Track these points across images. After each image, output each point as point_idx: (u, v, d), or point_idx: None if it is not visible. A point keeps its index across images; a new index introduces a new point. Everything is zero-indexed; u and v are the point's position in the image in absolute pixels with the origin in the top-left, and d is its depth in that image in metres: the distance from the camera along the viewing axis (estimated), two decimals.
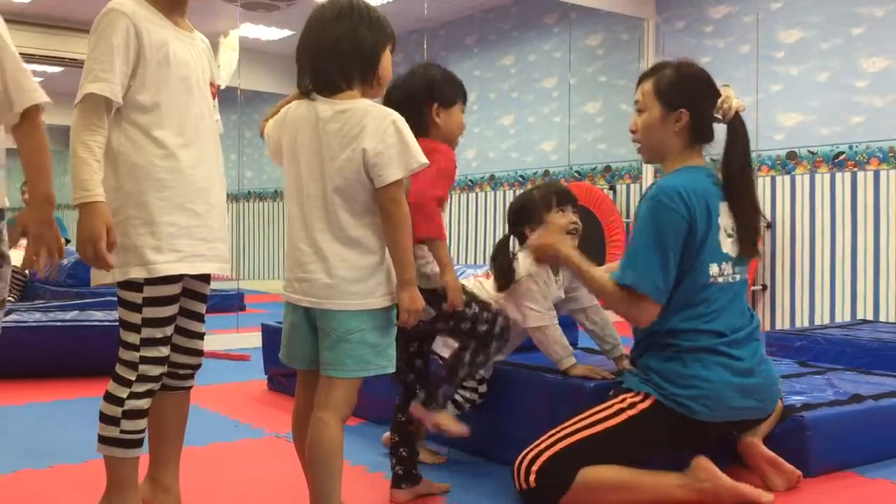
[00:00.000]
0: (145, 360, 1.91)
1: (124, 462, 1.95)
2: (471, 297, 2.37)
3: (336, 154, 1.95)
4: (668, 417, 2.32)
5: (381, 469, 2.54)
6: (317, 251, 1.97)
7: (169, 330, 1.96)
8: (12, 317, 4.28)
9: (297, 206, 2.01)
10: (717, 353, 2.33)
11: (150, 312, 1.91)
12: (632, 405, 2.35)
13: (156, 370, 1.94)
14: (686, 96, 2.46)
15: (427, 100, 2.35)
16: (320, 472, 2.01)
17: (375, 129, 1.93)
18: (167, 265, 1.89)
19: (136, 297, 1.90)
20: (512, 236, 2.81)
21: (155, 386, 1.95)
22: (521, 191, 3.06)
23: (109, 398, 1.92)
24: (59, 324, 4.24)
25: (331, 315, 1.98)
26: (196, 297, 2.07)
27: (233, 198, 10.39)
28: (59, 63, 8.15)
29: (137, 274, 1.87)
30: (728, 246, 2.41)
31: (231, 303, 7.38)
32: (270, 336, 4.07)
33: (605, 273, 2.50)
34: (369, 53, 2.00)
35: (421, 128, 2.32)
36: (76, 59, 7.58)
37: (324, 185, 1.96)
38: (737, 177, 2.44)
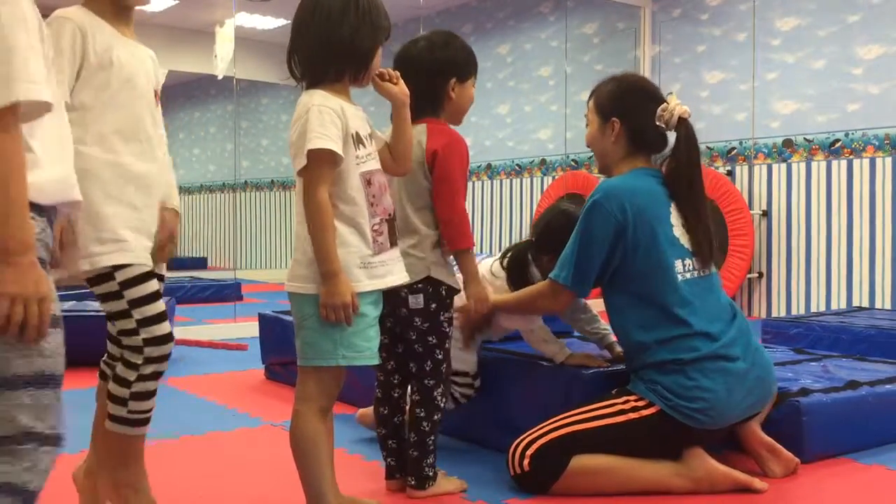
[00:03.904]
0: (149, 342, 1.93)
1: (131, 438, 2.00)
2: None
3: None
4: (671, 426, 2.33)
5: (376, 458, 2.55)
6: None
7: (161, 306, 1.96)
8: None
9: None
10: (716, 359, 2.34)
11: (131, 294, 1.92)
12: (634, 409, 2.35)
13: (160, 350, 1.95)
14: (618, 106, 2.53)
15: (447, 75, 2.36)
16: (304, 465, 2.03)
17: (295, 119, 1.98)
18: (112, 255, 1.90)
19: (112, 286, 1.92)
20: (529, 250, 2.74)
21: (161, 367, 1.96)
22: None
23: (118, 380, 1.95)
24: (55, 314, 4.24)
25: (292, 299, 2.02)
26: None
27: (229, 188, 10.38)
28: None
29: (83, 267, 1.89)
30: (687, 241, 2.44)
31: (228, 293, 7.39)
32: (267, 325, 4.07)
33: (525, 289, 2.62)
34: (367, 54, 2.03)
35: (436, 101, 2.35)
36: None
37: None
38: (684, 187, 2.47)
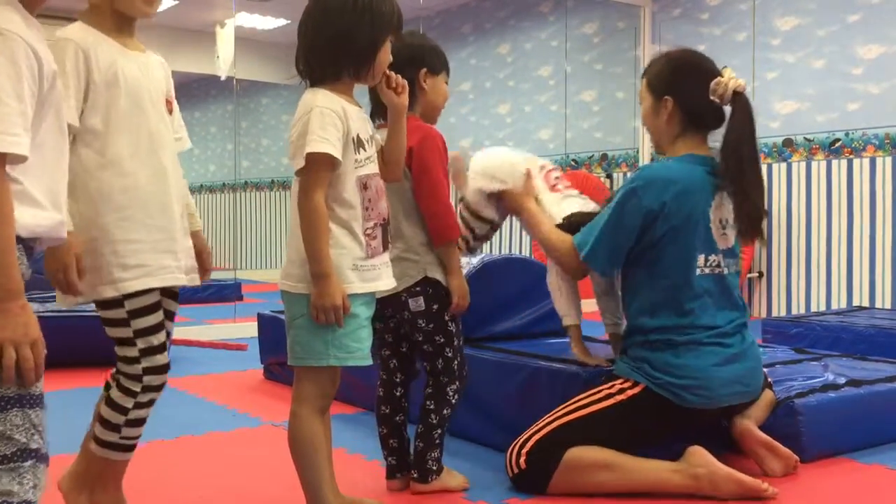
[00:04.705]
0: (148, 371, 1.93)
1: (115, 462, 2.00)
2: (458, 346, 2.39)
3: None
4: (657, 404, 2.34)
5: (377, 457, 2.55)
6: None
7: (162, 336, 1.97)
8: None
9: None
10: (709, 344, 2.35)
11: (138, 324, 1.92)
12: (621, 391, 2.37)
13: (158, 380, 1.95)
14: (670, 83, 2.49)
15: (416, 65, 2.35)
16: (302, 465, 2.03)
17: (296, 118, 1.96)
18: (135, 281, 1.90)
19: (120, 313, 1.91)
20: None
21: (157, 395, 1.97)
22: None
23: (113, 406, 1.94)
24: (55, 314, 4.24)
25: (284, 297, 2.02)
26: (164, 315, 2.06)
27: (230, 188, 10.39)
28: None
29: (108, 294, 1.88)
30: (720, 238, 2.42)
31: (228, 293, 7.39)
32: (266, 326, 4.08)
33: (558, 232, 2.58)
34: (367, 49, 2.00)
35: (409, 93, 2.34)
36: None
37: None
38: (734, 159, 2.41)
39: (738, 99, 2.42)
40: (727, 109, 2.46)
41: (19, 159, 1.34)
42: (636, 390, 2.35)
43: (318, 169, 1.93)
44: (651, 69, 2.56)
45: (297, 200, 1.95)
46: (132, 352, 1.92)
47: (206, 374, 4.23)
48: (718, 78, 2.43)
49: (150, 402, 1.97)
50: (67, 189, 1.75)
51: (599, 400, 2.37)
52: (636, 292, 2.46)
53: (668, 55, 2.56)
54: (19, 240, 1.38)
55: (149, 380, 1.93)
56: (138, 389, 1.93)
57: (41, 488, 1.37)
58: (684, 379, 2.32)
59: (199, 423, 3.17)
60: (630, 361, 2.41)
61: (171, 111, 2.05)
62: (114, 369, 2.06)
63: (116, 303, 1.90)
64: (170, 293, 2.04)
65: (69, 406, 3.34)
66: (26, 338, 1.31)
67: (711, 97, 2.43)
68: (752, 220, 2.42)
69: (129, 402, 1.93)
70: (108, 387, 2.07)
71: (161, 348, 1.96)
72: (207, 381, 4.06)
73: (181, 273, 1.99)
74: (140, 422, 1.97)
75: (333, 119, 1.94)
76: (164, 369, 1.96)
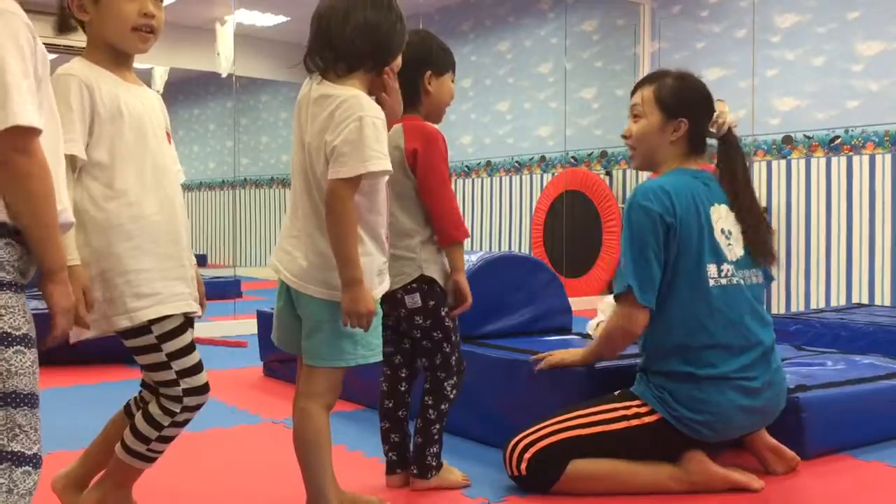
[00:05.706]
0: (188, 392, 1.95)
1: (136, 469, 2.01)
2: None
3: (312, 138, 1.97)
4: (671, 434, 2.32)
5: (376, 454, 2.55)
6: (300, 229, 2.01)
7: (197, 356, 1.97)
8: None
9: (294, 179, 2.04)
10: (734, 379, 2.30)
11: (169, 347, 1.93)
12: (637, 415, 2.33)
13: (197, 400, 1.97)
14: (686, 106, 2.45)
15: (422, 68, 2.35)
16: (308, 461, 2.03)
17: (339, 121, 1.91)
18: (149, 310, 1.90)
19: (149, 339, 1.92)
20: None
21: (192, 416, 1.99)
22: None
23: (150, 420, 1.95)
24: None
25: (305, 300, 2.00)
26: None
27: (229, 185, 10.38)
28: (54, 50, 8.14)
29: (122, 324, 1.88)
30: (726, 248, 2.37)
31: (228, 290, 7.39)
32: (266, 323, 4.08)
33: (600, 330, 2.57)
34: (397, 44, 2.03)
35: (413, 96, 2.34)
36: (71, 46, 7.54)
37: (307, 166, 1.99)
38: (742, 192, 2.43)
39: (731, 133, 2.49)
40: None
41: (37, 133, 1.38)
42: (652, 418, 2.31)
43: (363, 181, 1.92)
44: (661, 85, 2.47)
45: (331, 205, 1.90)
46: (169, 375, 1.94)
47: (206, 371, 4.22)
48: (721, 111, 2.47)
49: (185, 422, 1.99)
50: (76, 220, 1.78)
51: (612, 420, 2.33)
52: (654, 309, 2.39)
53: (675, 76, 2.49)
54: (18, 232, 1.39)
55: (189, 400, 1.95)
56: (178, 410, 1.95)
57: (20, 493, 1.32)
58: (704, 414, 2.28)
59: (198, 420, 3.13)
60: (653, 388, 2.35)
61: (169, 142, 2.06)
62: (137, 394, 2.08)
63: (143, 329, 1.90)
64: (187, 319, 2.04)
65: (67, 404, 3.35)
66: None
67: (710, 127, 2.47)
68: (762, 242, 2.42)
69: (165, 421, 1.95)
70: (127, 408, 2.09)
71: (197, 368, 1.97)
72: (207, 377, 4.06)
73: (193, 300, 1.99)
74: (170, 439, 1.99)
75: (384, 130, 1.94)
76: (203, 389, 1.98)
